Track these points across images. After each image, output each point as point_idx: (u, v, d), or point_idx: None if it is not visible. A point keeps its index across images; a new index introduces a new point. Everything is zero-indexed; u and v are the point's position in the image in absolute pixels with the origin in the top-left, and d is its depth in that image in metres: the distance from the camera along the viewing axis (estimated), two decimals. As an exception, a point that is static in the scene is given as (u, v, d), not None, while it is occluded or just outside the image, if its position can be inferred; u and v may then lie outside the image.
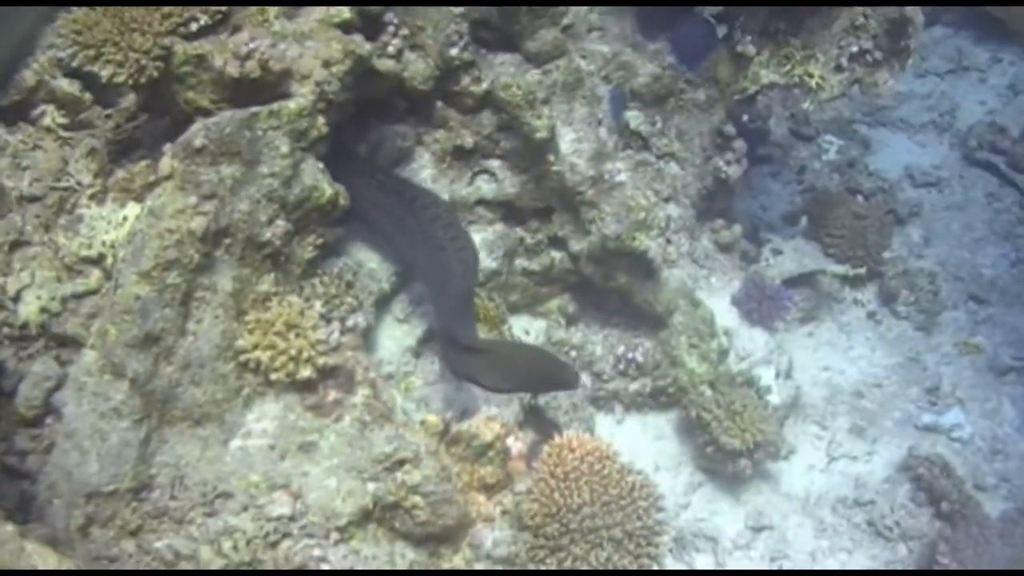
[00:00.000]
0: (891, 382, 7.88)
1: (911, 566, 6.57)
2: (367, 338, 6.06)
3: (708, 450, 6.55)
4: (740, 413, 6.48)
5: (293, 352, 5.09)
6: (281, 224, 5.25)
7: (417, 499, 5.01)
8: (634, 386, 6.85)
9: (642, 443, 6.71)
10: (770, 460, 6.76)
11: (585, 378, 6.78)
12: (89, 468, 4.67)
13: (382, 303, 6.27)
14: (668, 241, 7.02)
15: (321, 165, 5.30)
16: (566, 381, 5.59)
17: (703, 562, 6.34)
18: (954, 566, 6.34)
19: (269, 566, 4.62)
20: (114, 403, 4.68)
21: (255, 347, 5.09)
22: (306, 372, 5.10)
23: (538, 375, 5.58)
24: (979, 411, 7.89)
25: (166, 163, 4.98)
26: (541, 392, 5.75)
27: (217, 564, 4.54)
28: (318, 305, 5.33)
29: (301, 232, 5.44)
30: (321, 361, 5.13)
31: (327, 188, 5.28)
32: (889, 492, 7.04)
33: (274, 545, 4.80)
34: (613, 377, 6.82)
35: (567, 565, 5.15)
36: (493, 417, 5.51)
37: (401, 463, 5.02)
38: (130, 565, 4.59)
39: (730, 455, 6.50)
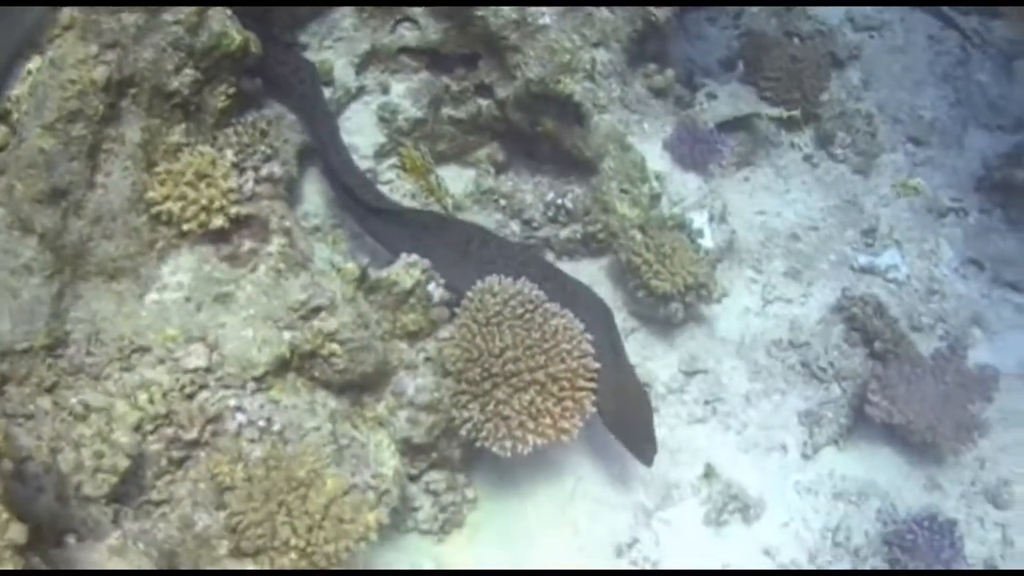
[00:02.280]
0: (827, 225, 7.91)
1: (844, 407, 6.65)
2: (292, 192, 6.01)
3: (639, 295, 6.56)
4: (670, 256, 6.47)
5: (204, 202, 5.03)
6: (189, 73, 5.16)
7: (334, 347, 5.01)
8: (565, 232, 6.82)
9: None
10: (703, 304, 6.77)
11: (515, 226, 6.73)
12: (1, 326, 4.61)
13: (307, 156, 6.20)
14: (597, 85, 6.91)
15: (229, 12, 5.16)
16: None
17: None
18: (885, 404, 6.41)
19: (184, 418, 4.62)
20: (24, 260, 4.62)
21: (166, 198, 5.03)
22: (218, 222, 5.05)
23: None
24: (916, 252, 7.96)
25: (66, 12, 4.86)
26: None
27: (133, 417, 4.54)
28: (230, 154, 5.27)
29: (212, 81, 5.35)
30: (234, 210, 5.08)
31: (236, 35, 5.19)
32: (823, 333, 7.10)
33: (190, 397, 4.79)
34: (543, 224, 6.80)
35: (490, 410, 5.18)
36: (413, 263, 5.49)
37: (317, 311, 5.01)
38: (46, 422, 4.57)
39: (661, 299, 6.52)
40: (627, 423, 5.45)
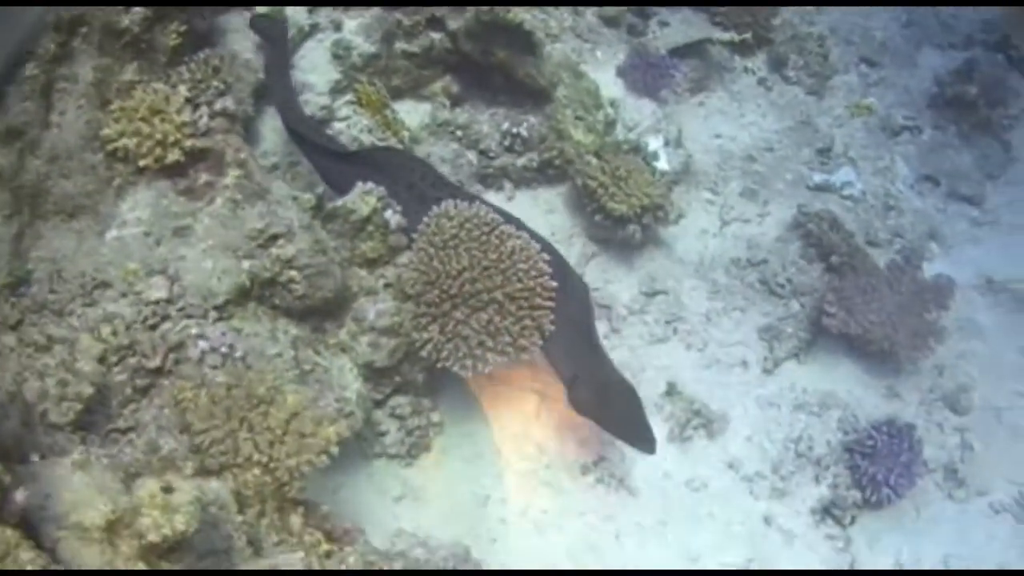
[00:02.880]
0: (783, 145, 8.00)
1: (803, 321, 6.77)
2: (249, 130, 6.07)
3: (597, 218, 6.65)
4: (625, 179, 6.56)
5: (159, 136, 5.09)
6: (139, 10, 5.19)
7: (293, 273, 5.09)
8: (521, 161, 6.90)
9: (534, 217, 6.78)
10: (660, 226, 6.87)
11: (472, 156, 6.81)
12: (-38, 268, 4.66)
13: (263, 94, 6.25)
14: (548, 14, 6.99)
15: (176, -54, 5.20)
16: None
17: (598, 328, 6.47)
18: (841, 315, 6.53)
19: (147, 347, 4.69)
20: (-18, 201, 4.66)
21: (121, 135, 5.09)
22: (174, 156, 5.11)
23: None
24: (871, 170, 8.07)
25: (11, -50, 4.90)
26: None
27: (96, 349, 4.60)
28: (183, 90, 5.31)
29: (162, 20, 5.41)
30: (188, 144, 5.14)
31: (184, -28, 5.20)
32: (781, 251, 7.21)
33: (153, 328, 4.85)
34: (500, 154, 6.87)
35: (450, 330, 5.27)
36: (369, 191, 5.55)
37: (274, 238, 5.08)
38: (11, 358, 4.64)
39: (618, 221, 6.61)
40: (619, 419, 5.44)
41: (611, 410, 5.37)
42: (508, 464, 5.98)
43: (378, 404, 5.71)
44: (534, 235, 5.59)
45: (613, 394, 5.38)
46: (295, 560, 3.61)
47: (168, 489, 3.14)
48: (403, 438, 5.77)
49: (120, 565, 3.04)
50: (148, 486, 3.14)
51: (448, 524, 5.66)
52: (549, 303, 5.41)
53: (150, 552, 3.06)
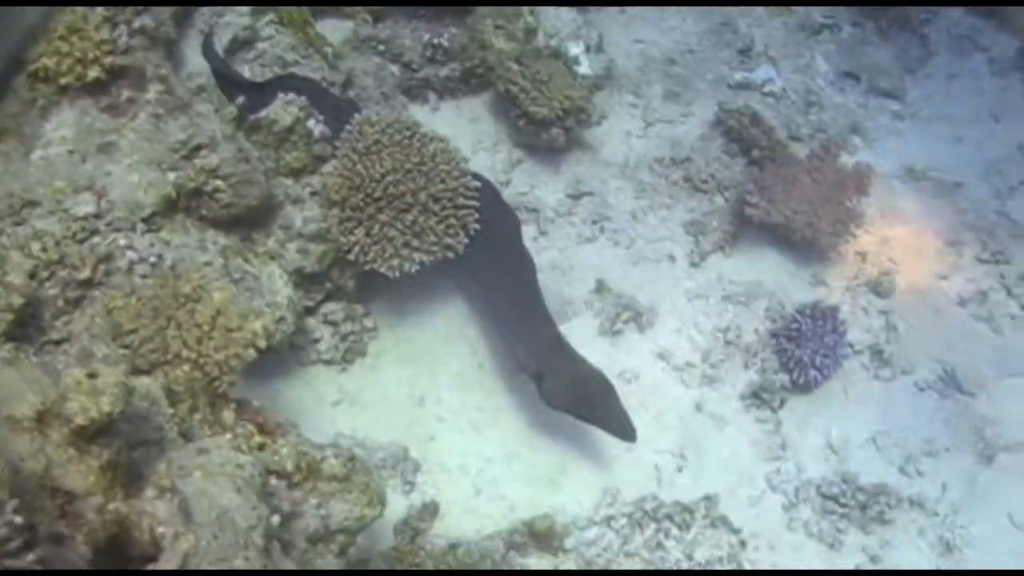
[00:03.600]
0: (703, 47, 8.15)
1: (728, 214, 6.97)
2: (172, 52, 6.14)
3: (520, 123, 6.77)
4: (546, 82, 6.69)
5: (78, 55, 5.15)
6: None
7: (218, 183, 5.21)
8: (444, 72, 7.02)
9: (459, 127, 6.94)
10: (583, 129, 7.02)
11: (395, 69, 6.92)
12: None
13: (184, 18, 6.33)
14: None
15: None
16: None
17: (525, 231, 6.63)
18: (763, 204, 6.73)
19: (77, 260, 4.80)
20: (-96, 126, 4.74)
21: (40, 55, 5.15)
22: (94, 73, 5.17)
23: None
24: (791, 67, 8.22)
25: None
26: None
27: (27, 265, 4.70)
28: (100, 9, 5.36)
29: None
30: (108, 61, 5.20)
31: None
32: (704, 148, 7.38)
33: (82, 243, 4.96)
34: (423, 65, 6.98)
35: (375, 232, 5.43)
36: (291, 101, 5.68)
37: (198, 149, 5.18)
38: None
39: (541, 124, 6.74)
40: (597, 411, 5.48)
41: (588, 405, 5.44)
42: (442, 365, 6.14)
43: (311, 311, 5.83)
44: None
45: (588, 389, 5.46)
46: (222, 442, 3.75)
47: (93, 375, 3.27)
48: (337, 344, 5.90)
49: (50, 452, 3.17)
50: (74, 373, 3.27)
51: (385, 426, 5.84)
52: (472, 203, 5.57)
53: (78, 436, 3.18)
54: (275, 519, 3.59)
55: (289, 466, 4.14)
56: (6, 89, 5.18)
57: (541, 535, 5.39)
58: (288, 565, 3.61)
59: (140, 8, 5.53)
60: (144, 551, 3.13)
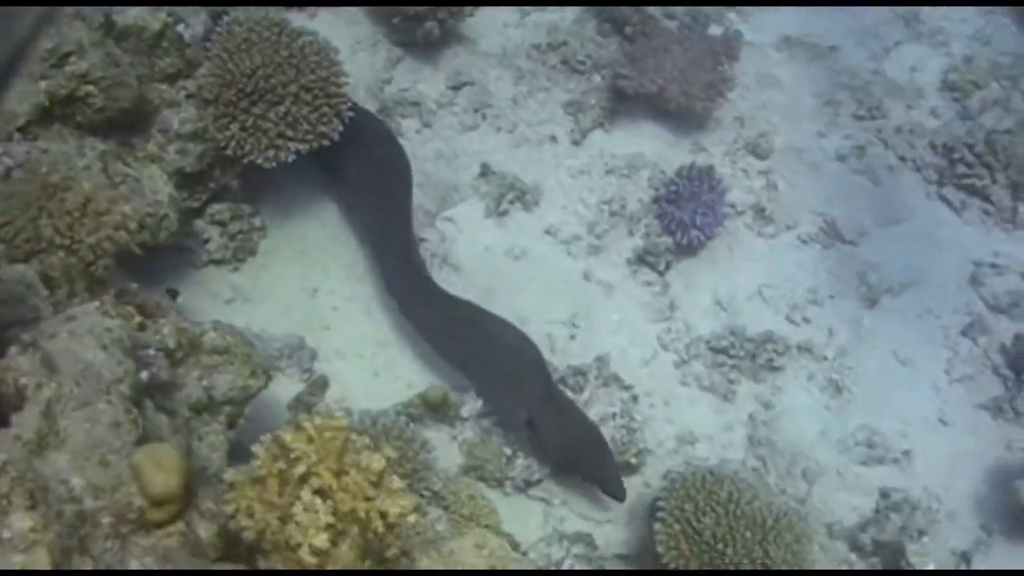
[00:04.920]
0: (573, -67, 8.43)
1: (604, 91, 7.32)
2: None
3: (395, 21, 7.06)
4: (416, -24, 6.97)
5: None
6: None
7: (89, 87, 5.45)
8: (315, -24, 7.26)
9: (337, 29, 7.14)
10: (459, 22, 7.31)
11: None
12: None
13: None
14: None
15: None
16: None
17: (409, 125, 6.98)
18: (635, 75, 7.09)
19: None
20: None
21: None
22: (-45, -8, 5.41)
23: None
24: (664, -53, 8.53)
25: None
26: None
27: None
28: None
29: None
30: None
31: None
32: (579, 31, 7.69)
33: (-42, 151, 5.21)
34: (294, -27, 7.22)
35: (250, 126, 5.73)
36: (158, 8, 5.94)
37: (66, 56, 5.43)
38: None
39: (414, 20, 7.03)
40: (592, 470, 5.51)
41: (583, 461, 5.47)
42: (333, 258, 6.45)
43: (198, 213, 6.10)
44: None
45: (584, 446, 5.47)
46: (90, 309, 4.02)
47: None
48: (227, 243, 6.19)
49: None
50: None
51: (280, 319, 6.15)
52: (343, 90, 5.88)
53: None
54: (143, 375, 3.86)
55: (171, 343, 4.40)
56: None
57: (435, 405, 5.71)
58: (164, 423, 3.90)
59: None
60: (10, 404, 3.41)
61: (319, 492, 3.22)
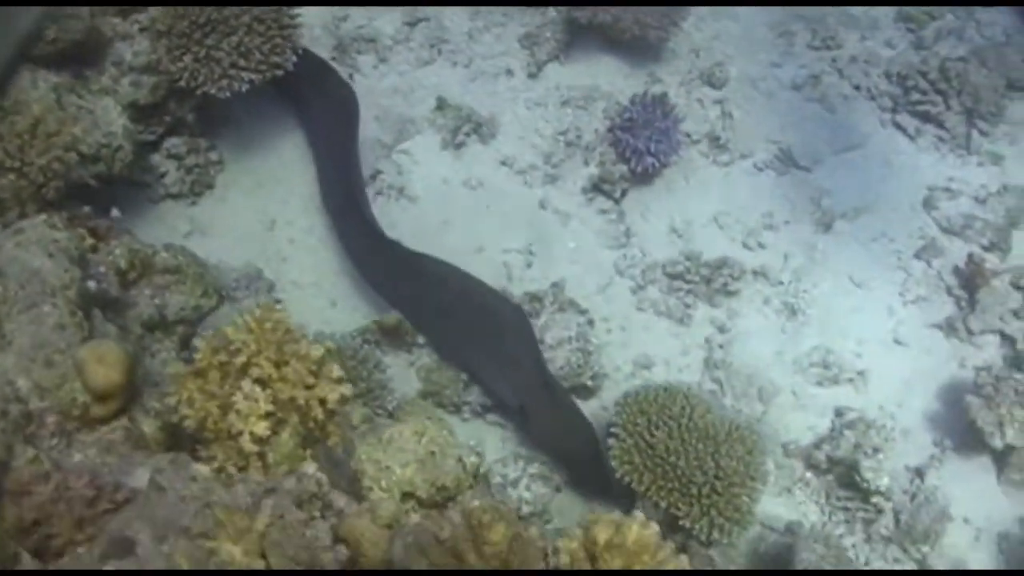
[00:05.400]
0: None
1: (560, 24, 7.41)
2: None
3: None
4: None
5: None
6: None
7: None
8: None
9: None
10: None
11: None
12: None
13: None
14: None
15: None
16: None
17: (365, 61, 7.08)
18: (589, 6, 7.19)
19: None
20: None
21: None
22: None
23: None
24: None
25: None
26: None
27: None
28: None
29: None
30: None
31: None
32: (535, -35, 7.77)
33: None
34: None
35: (203, 56, 5.81)
36: (104, -55, 6.02)
37: None
38: None
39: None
40: (582, 468, 5.51)
41: (573, 456, 5.47)
42: (290, 191, 6.55)
43: (154, 147, 6.19)
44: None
45: (576, 441, 5.47)
46: (37, 222, 4.13)
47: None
48: (183, 177, 6.30)
49: None
50: None
51: (238, 251, 6.25)
52: (296, 21, 5.97)
53: None
54: (90, 284, 3.97)
55: (123, 263, 4.52)
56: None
57: (391, 330, 5.83)
58: (112, 332, 4.01)
59: None
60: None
61: (259, 382, 3.33)
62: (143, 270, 4.51)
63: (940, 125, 7.49)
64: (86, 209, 4.84)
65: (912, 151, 7.44)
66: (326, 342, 3.43)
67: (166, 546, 2.79)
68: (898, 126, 7.12)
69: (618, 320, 6.54)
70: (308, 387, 3.38)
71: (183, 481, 2.96)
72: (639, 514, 3.09)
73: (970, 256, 6.77)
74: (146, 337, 4.46)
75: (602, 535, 2.96)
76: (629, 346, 6.48)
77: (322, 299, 6.28)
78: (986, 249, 6.95)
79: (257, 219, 6.24)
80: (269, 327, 3.34)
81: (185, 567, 2.66)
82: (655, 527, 3.12)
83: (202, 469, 2.96)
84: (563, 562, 2.97)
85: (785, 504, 6.13)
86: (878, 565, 6.01)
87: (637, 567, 2.91)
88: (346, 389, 3.40)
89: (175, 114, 6.11)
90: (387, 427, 3.99)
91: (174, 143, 6.20)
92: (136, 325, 4.41)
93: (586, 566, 2.95)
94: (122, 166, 5.56)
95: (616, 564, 2.91)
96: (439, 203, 6.70)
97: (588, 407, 6.03)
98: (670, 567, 3.00)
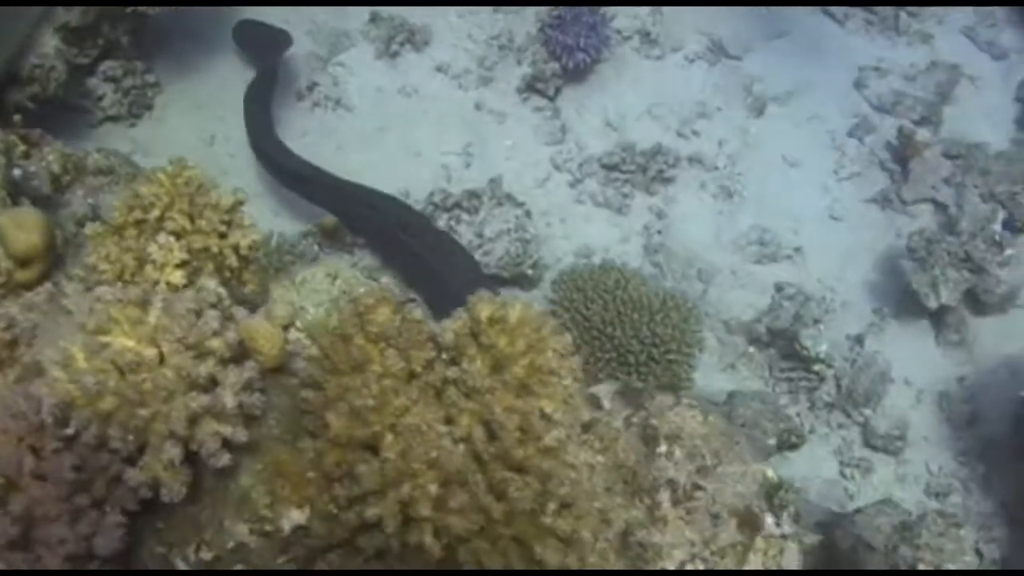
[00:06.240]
0: None
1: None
2: None
3: None
4: None
5: None
6: None
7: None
8: None
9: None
10: None
11: None
12: None
13: None
14: None
15: None
16: None
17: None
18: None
19: None
20: None
21: None
22: None
23: None
24: None
25: None
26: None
27: None
28: None
29: None
30: None
31: None
32: None
33: None
34: None
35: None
36: None
37: (-63, -84, 5.68)
38: None
39: None
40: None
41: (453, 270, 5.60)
42: (228, 108, 6.69)
43: (90, 71, 6.37)
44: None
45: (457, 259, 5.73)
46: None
47: None
48: (121, 99, 6.48)
49: None
50: None
51: (180, 161, 6.44)
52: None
53: None
54: (15, 172, 4.18)
55: (56, 168, 4.71)
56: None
57: (331, 232, 6.04)
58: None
59: None
60: None
61: (174, 234, 3.55)
62: (76, 174, 4.67)
63: (868, 9, 7.68)
64: (17, 117, 4.96)
65: (841, 35, 7.65)
66: (238, 192, 3.60)
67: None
68: (826, 12, 7.37)
69: (558, 213, 6.71)
70: (221, 236, 3.57)
71: (90, 302, 3.17)
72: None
73: (900, 129, 6.96)
74: (80, 235, 4.64)
75: (485, 312, 3.17)
76: (570, 238, 6.65)
77: (265, 210, 6.40)
78: (917, 124, 7.15)
79: (197, 137, 6.54)
80: (181, 182, 3.54)
81: (81, 360, 2.89)
82: (539, 307, 3.36)
83: (106, 290, 3.14)
84: (448, 340, 3.19)
85: (730, 379, 6.29)
86: (823, 432, 6.21)
87: (520, 342, 3.13)
88: (258, 235, 3.60)
89: (108, 36, 6.24)
90: (300, 270, 4.19)
91: (110, 66, 6.35)
92: (70, 223, 4.58)
93: (470, 343, 3.16)
94: (56, 86, 5.74)
95: (500, 341, 3.12)
96: (376, 111, 6.89)
97: (531, 297, 6.24)
98: (552, 344, 3.22)
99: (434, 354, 3.18)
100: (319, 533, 3.10)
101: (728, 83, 6.90)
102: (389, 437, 3.01)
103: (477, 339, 3.17)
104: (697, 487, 3.42)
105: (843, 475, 6.16)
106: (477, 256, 6.07)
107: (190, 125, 6.58)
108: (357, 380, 3.04)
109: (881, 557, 4.54)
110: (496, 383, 3.09)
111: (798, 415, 6.20)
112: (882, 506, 4.96)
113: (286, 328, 3.38)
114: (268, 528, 3.25)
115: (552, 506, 3.04)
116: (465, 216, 6.27)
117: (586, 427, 3.44)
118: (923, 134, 6.97)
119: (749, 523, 3.44)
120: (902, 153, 6.93)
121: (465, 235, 6.23)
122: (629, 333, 5.31)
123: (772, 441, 5.56)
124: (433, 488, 2.92)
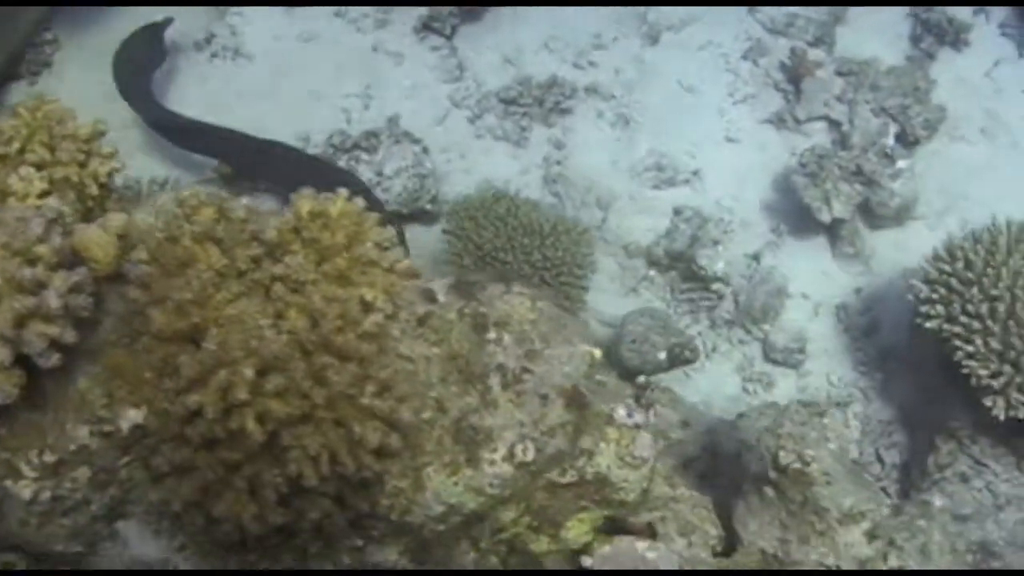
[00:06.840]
0: None
1: None
2: None
3: None
4: None
5: None
6: None
7: None
8: None
9: None
10: None
11: None
12: None
13: None
14: None
15: None
16: None
17: None
18: None
19: None
20: None
21: None
22: None
23: None
24: None
25: None
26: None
27: None
28: None
29: None
30: None
31: None
32: None
33: None
34: None
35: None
36: None
37: None
38: None
39: None
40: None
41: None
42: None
43: (-7, 34, 6.48)
44: None
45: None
46: None
47: None
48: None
49: None
50: None
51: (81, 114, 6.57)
52: None
53: None
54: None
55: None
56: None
57: (230, 177, 6.23)
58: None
59: None
60: None
61: (35, 165, 3.69)
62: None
63: (761, -68, 7.82)
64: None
65: (734, -39, 7.74)
66: (97, 123, 3.74)
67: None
68: (717, -60, 7.40)
69: (458, 149, 6.86)
70: (81, 165, 3.71)
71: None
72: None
73: (793, 50, 7.11)
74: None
75: (306, 207, 3.34)
76: (471, 172, 6.80)
77: (167, 159, 6.54)
78: (811, 45, 7.27)
79: (98, 91, 6.55)
80: (41, 115, 3.67)
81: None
82: (361, 201, 3.51)
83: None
84: (271, 237, 3.35)
85: (632, 303, 6.40)
86: (724, 348, 6.38)
87: (340, 235, 3.29)
88: (117, 164, 3.74)
89: (11, 4, 6.29)
90: (159, 195, 4.32)
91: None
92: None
93: (294, 238, 3.32)
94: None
95: (323, 235, 3.28)
96: (274, 59, 6.99)
97: (432, 232, 6.44)
98: (373, 236, 3.38)
99: (259, 251, 3.30)
100: (153, 429, 3.24)
101: (623, 14, 6.96)
102: (212, 330, 3.14)
103: (300, 234, 3.31)
104: (526, 370, 3.54)
105: (745, 391, 6.26)
106: (376, 194, 6.16)
107: (90, 80, 6.65)
108: (182, 278, 3.17)
109: (756, 454, 4.66)
110: (319, 275, 3.22)
111: (699, 335, 6.27)
112: (764, 408, 5.06)
113: (121, 237, 3.50)
114: (108, 428, 3.39)
115: (371, 388, 3.18)
116: (364, 156, 6.41)
117: (421, 320, 3.55)
118: (815, 53, 7.06)
119: (577, 402, 3.57)
120: (795, 73, 7.02)
121: (365, 174, 6.36)
122: (521, 258, 5.48)
123: (663, 355, 5.61)
124: (249, 372, 3.05)
